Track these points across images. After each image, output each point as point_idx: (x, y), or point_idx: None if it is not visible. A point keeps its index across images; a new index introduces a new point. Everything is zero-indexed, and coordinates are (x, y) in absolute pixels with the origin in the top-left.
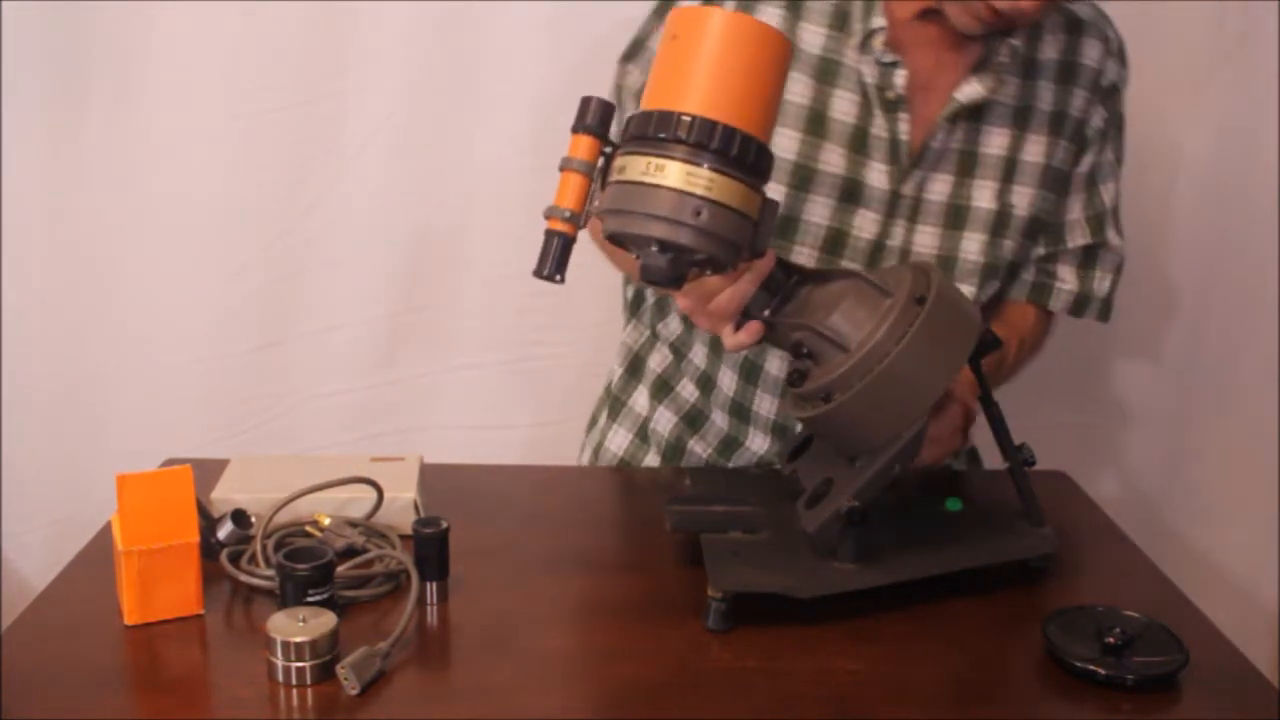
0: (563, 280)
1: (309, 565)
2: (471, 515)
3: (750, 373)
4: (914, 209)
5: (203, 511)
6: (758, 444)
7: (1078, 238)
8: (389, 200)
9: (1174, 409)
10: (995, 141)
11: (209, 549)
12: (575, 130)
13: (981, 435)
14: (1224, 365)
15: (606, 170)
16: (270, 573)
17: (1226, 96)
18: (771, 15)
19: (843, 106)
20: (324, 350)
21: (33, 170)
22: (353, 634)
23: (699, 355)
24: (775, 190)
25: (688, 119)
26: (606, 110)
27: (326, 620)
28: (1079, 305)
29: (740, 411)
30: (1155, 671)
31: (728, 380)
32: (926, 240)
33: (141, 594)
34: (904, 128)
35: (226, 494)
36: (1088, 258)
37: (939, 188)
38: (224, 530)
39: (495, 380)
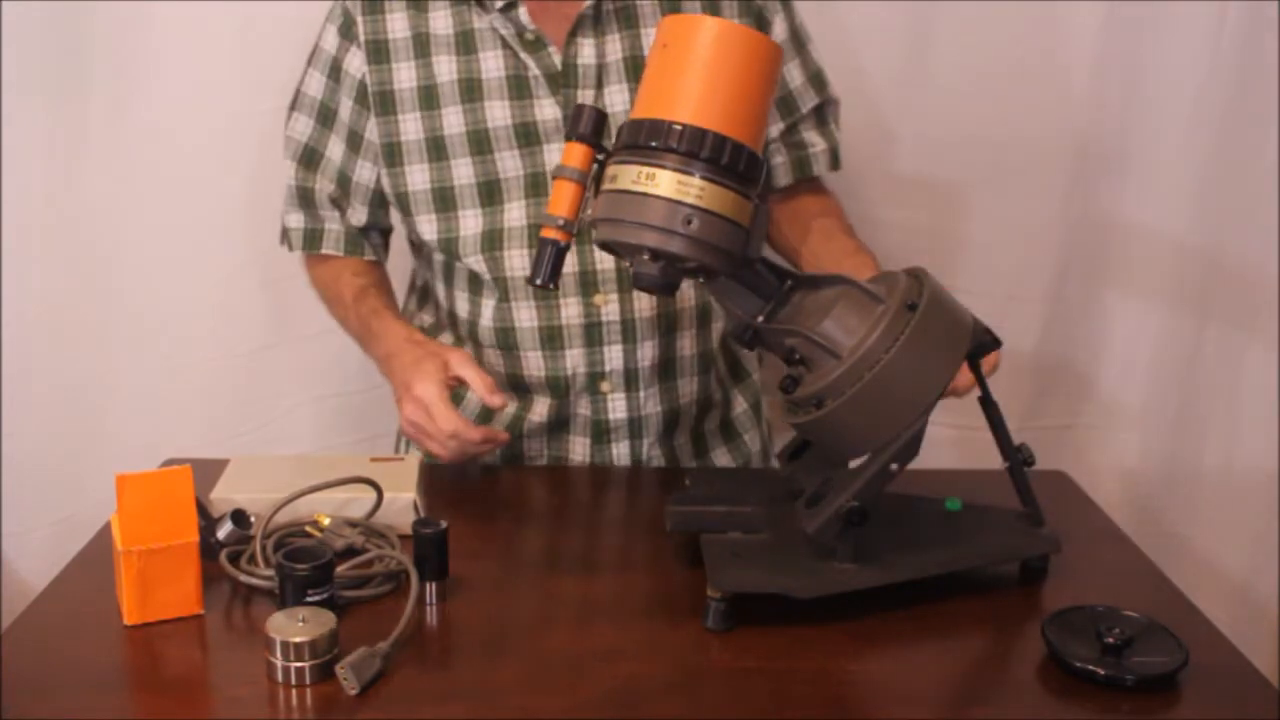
0: (556, 287)
1: (309, 565)
2: (471, 515)
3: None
4: None
5: (202, 511)
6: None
7: (809, 100)
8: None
9: (1174, 409)
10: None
11: (209, 549)
12: (568, 138)
13: (981, 435)
14: (1224, 365)
15: (600, 178)
16: (270, 573)
17: (1226, 97)
18: (397, 18)
19: (490, 65)
20: (324, 351)
21: (33, 170)
22: (352, 634)
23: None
24: (460, 164)
25: (678, 128)
26: (599, 119)
27: (326, 620)
28: (834, 160)
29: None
30: (1155, 671)
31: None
32: None
33: (141, 594)
34: (555, 59)
35: (226, 494)
36: (820, 115)
37: (616, 99)
38: (223, 530)
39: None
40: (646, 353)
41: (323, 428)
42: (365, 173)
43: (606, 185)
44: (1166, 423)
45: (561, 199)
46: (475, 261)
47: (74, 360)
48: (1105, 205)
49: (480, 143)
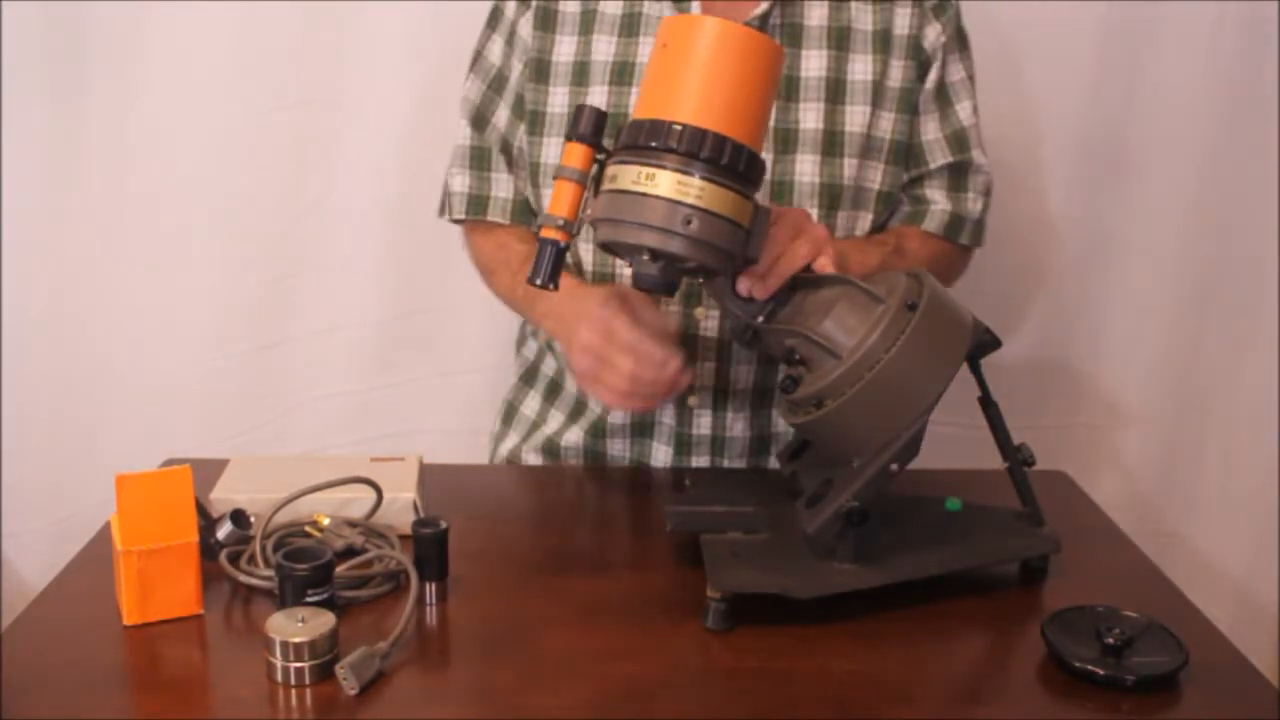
0: (556, 287)
1: (308, 565)
2: (471, 515)
3: None
4: None
5: (202, 511)
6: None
7: (939, 157)
8: (388, 202)
9: (1174, 409)
10: (813, 64)
11: (208, 549)
12: (569, 138)
13: (981, 435)
14: (1224, 365)
15: (600, 178)
16: (269, 573)
17: (1226, 97)
18: None
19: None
20: (324, 351)
21: (33, 170)
22: (352, 634)
23: None
24: None
25: (678, 128)
26: (600, 119)
27: (326, 620)
28: (953, 226)
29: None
30: (1155, 671)
31: None
32: None
33: (141, 594)
34: None
35: (226, 494)
36: (955, 178)
37: None
38: (223, 530)
39: (495, 383)
40: (740, 376)
41: (323, 428)
42: (523, 138)
43: (607, 185)
44: (1166, 423)
45: (561, 199)
46: (582, 250)
47: (74, 360)
48: (1105, 205)
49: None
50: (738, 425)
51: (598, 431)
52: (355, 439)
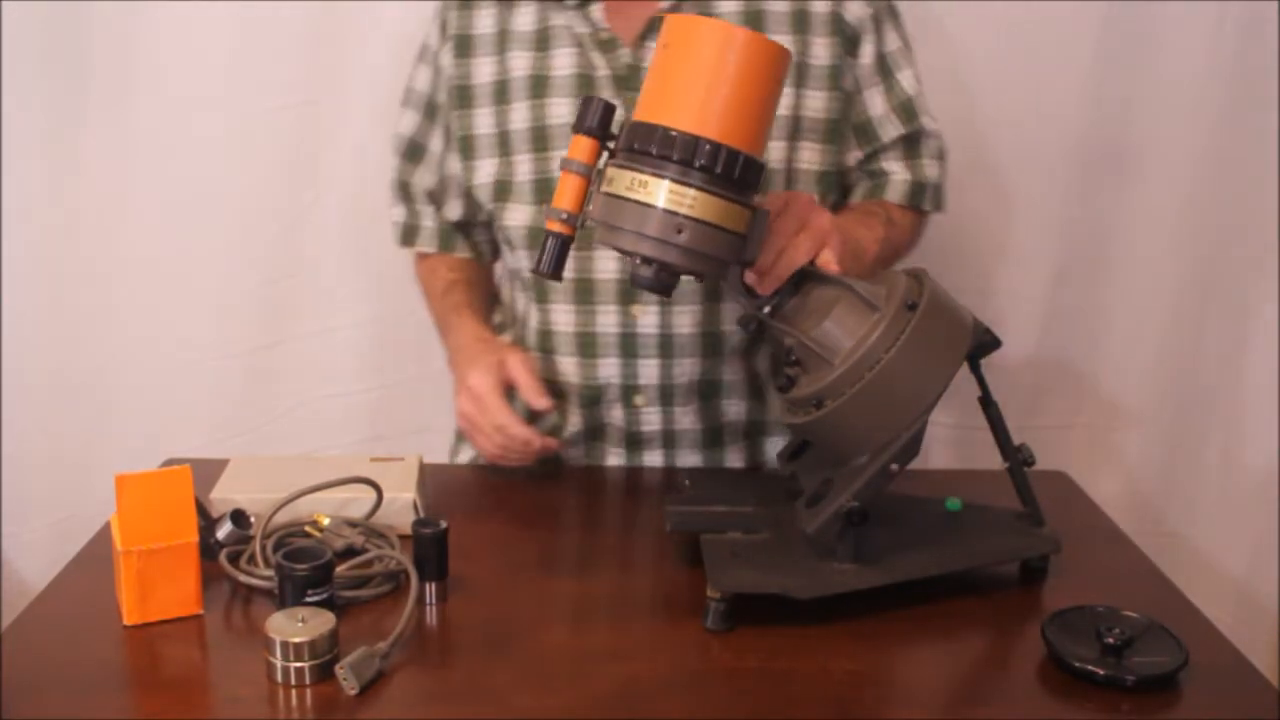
0: (560, 279)
1: (308, 565)
2: (471, 515)
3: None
4: None
5: (202, 511)
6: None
7: (891, 130)
8: (388, 201)
9: (1174, 409)
10: None
11: (208, 549)
12: (575, 131)
13: (981, 435)
14: (1224, 364)
15: (604, 172)
16: (269, 573)
17: (1226, 97)
18: (485, 14)
19: (560, 62)
20: (324, 351)
21: (33, 170)
22: (352, 634)
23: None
24: (521, 159)
25: (674, 135)
26: (608, 112)
27: (326, 620)
28: (915, 193)
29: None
30: (1155, 671)
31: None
32: None
33: (141, 594)
34: (626, 59)
35: (226, 494)
36: (909, 147)
37: None
38: (223, 530)
39: None
40: (685, 369)
41: (323, 428)
42: (455, 165)
43: (605, 187)
44: (1166, 423)
45: (565, 192)
46: (524, 257)
47: (74, 360)
48: (1105, 205)
49: (540, 139)
50: (686, 419)
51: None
52: (355, 439)
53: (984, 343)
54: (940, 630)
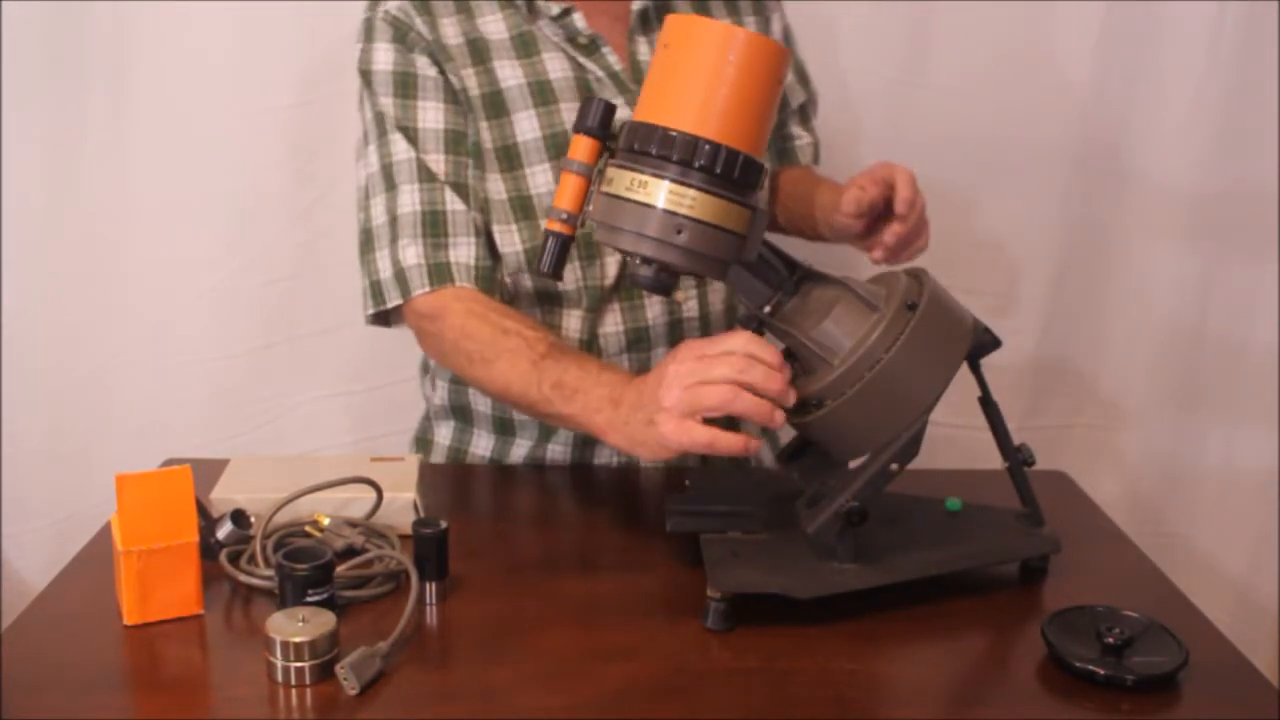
0: (560, 278)
1: (308, 565)
2: (471, 515)
3: None
4: None
5: (202, 511)
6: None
7: (798, 96)
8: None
9: (1174, 409)
10: None
11: (208, 549)
12: (576, 131)
13: (981, 435)
14: (1224, 365)
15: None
16: (270, 573)
17: (1226, 97)
18: (448, 22)
19: (556, 67)
20: (324, 351)
21: (33, 170)
22: (352, 634)
23: None
24: (537, 170)
25: (673, 135)
26: (608, 111)
27: (326, 620)
28: (817, 153)
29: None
30: (1155, 671)
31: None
32: None
33: (141, 594)
34: (613, 60)
35: (226, 494)
36: (803, 112)
37: None
38: (223, 530)
39: None
40: None
41: (323, 428)
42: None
43: (604, 187)
44: (1166, 423)
45: (566, 192)
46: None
47: (74, 360)
48: (1105, 205)
49: (559, 148)
50: None
51: (584, 439)
52: (355, 439)
53: (984, 343)
54: (940, 630)
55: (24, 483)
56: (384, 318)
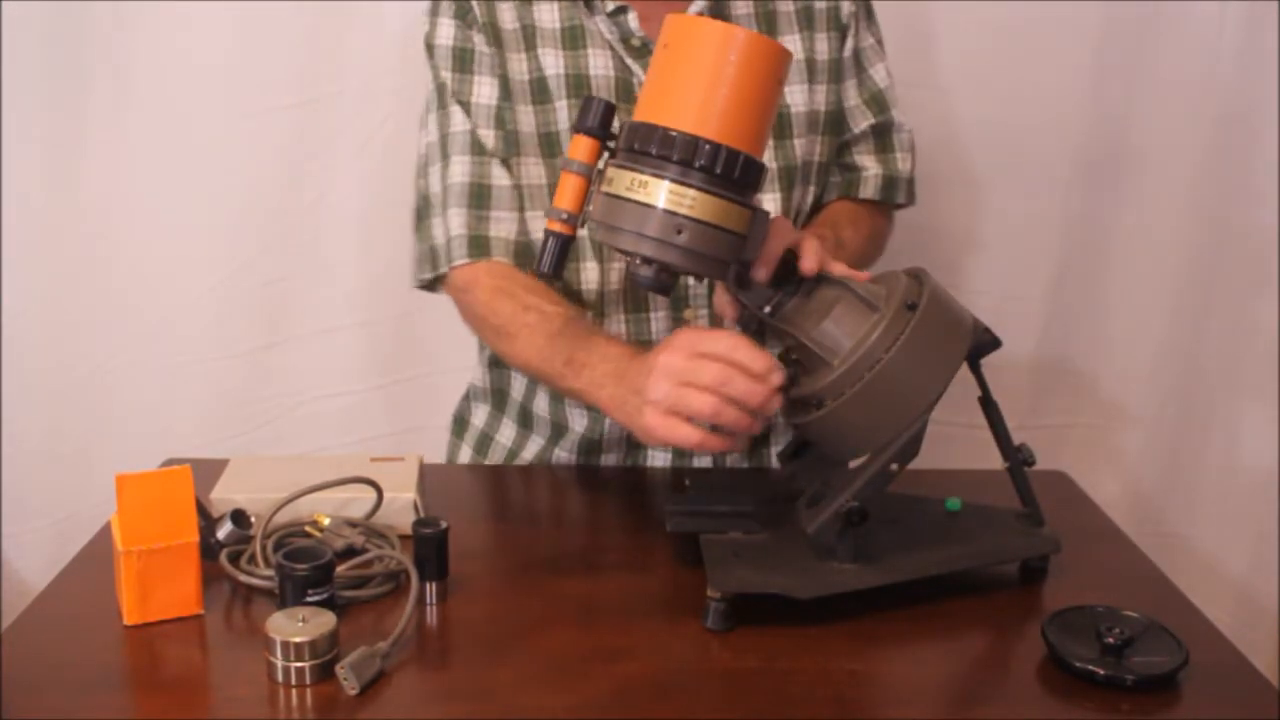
0: (559, 278)
1: (308, 565)
2: (471, 515)
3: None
4: None
5: (202, 511)
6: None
7: (862, 121)
8: (388, 201)
9: (1174, 409)
10: None
11: (208, 549)
12: (576, 131)
13: (981, 435)
14: (1224, 365)
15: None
16: (270, 573)
17: (1226, 96)
18: (506, 7)
19: (598, 64)
20: (324, 351)
21: (33, 170)
22: (352, 634)
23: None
24: (550, 162)
25: (674, 135)
26: (608, 111)
27: (326, 620)
28: (887, 188)
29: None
30: (1155, 671)
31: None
32: None
33: (141, 594)
34: None
35: (226, 494)
36: (880, 140)
37: None
38: (223, 530)
39: None
40: None
41: (323, 428)
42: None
43: (604, 187)
44: (1166, 422)
45: (566, 192)
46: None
47: (74, 360)
48: (1105, 205)
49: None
50: None
51: (589, 448)
52: (355, 439)
53: (984, 343)
54: (940, 630)
55: (24, 483)
56: (430, 285)
